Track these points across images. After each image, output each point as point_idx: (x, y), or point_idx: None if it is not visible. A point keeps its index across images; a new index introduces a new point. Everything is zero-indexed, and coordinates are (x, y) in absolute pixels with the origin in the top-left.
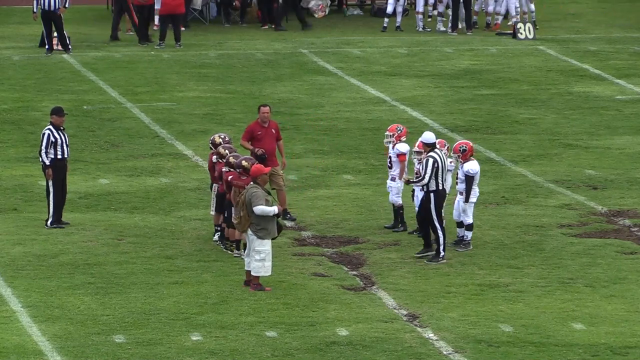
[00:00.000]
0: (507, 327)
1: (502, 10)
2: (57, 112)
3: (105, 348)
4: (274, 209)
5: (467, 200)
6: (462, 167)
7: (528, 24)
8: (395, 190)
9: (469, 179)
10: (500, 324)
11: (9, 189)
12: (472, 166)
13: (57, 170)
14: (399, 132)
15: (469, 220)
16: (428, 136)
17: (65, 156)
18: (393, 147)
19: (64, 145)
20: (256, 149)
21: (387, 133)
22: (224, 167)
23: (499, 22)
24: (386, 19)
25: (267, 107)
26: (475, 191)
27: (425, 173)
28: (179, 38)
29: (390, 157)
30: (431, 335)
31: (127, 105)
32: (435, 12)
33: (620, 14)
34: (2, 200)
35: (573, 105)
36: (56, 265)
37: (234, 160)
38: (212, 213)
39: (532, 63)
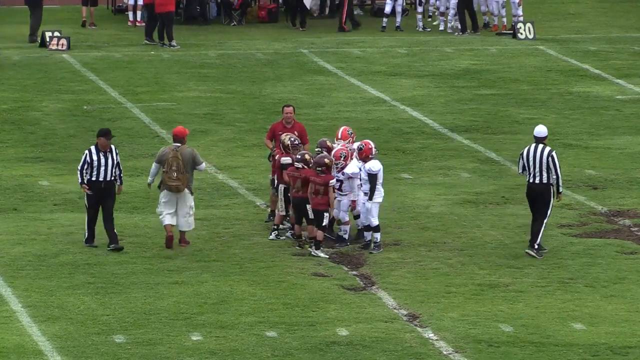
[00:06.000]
0: (507, 327)
1: (494, 10)
2: (105, 134)
3: (105, 348)
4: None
5: (370, 198)
6: (364, 167)
7: (528, 24)
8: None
9: (372, 178)
10: (500, 324)
11: (9, 189)
12: (374, 165)
13: (92, 191)
14: (351, 136)
15: (375, 221)
16: (541, 129)
17: (101, 179)
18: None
19: (101, 167)
20: (274, 149)
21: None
22: (297, 164)
23: (496, 22)
24: (385, 19)
25: (290, 107)
26: (381, 191)
27: (556, 168)
28: (170, 37)
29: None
30: (431, 335)
31: (127, 105)
32: (437, 12)
33: (620, 14)
34: (2, 200)
35: (573, 105)
36: (56, 265)
37: (309, 157)
38: (282, 213)
39: (532, 63)
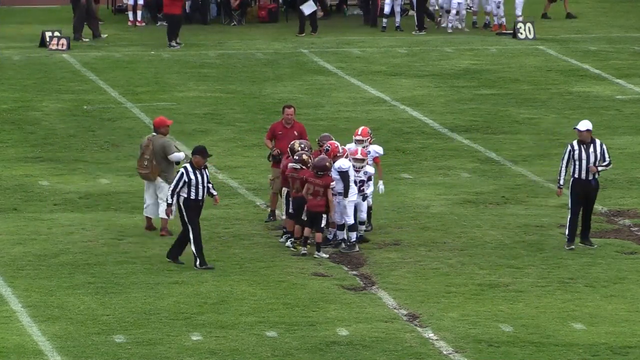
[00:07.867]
0: (507, 327)
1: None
2: (201, 152)
3: (105, 348)
4: (183, 154)
5: (346, 196)
6: (333, 167)
7: (528, 24)
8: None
9: (344, 175)
10: (500, 324)
11: (9, 189)
12: (343, 163)
13: (191, 210)
14: (371, 136)
15: (350, 220)
16: (580, 122)
17: (200, 197)
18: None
19: (199, 186)
20: (274, 149)
21: (361, 138)
22: (295, 165)
23: (496, 22)
24: (385, 19)
25: (292, 109)
26: (354, 189)
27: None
28: (170, 38)
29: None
30: (431, 335)
31: (127, 105)
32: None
33: (620, 14)
34: (2, 200)
35: (573, 105)
36: (56, 265)
37: (307, 158)
38: (283, 216)
39: (532, 63)
